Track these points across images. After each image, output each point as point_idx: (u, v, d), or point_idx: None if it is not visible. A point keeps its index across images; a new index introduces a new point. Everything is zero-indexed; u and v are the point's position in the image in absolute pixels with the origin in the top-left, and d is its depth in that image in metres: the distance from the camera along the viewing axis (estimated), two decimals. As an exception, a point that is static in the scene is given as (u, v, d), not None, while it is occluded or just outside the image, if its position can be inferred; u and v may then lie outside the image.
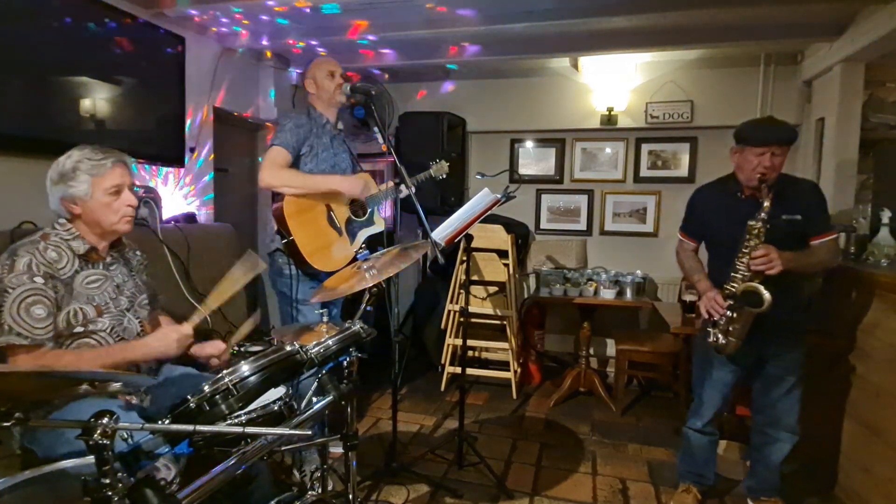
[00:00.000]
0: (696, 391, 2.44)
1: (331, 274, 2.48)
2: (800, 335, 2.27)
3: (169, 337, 1.65)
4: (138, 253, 1.91)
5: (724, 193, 2.28)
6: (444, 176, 2.89)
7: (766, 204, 2.01)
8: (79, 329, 1.60)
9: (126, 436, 1.05)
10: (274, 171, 2.39)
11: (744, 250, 2.06)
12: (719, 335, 2.17)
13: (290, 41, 3.64)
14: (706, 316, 2.20)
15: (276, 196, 2.46)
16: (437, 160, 2.87)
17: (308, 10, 3.21)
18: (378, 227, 2.73)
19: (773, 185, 2.07)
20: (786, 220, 2.09)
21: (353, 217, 2.64)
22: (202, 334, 1.77)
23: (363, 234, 2.65)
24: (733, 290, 2.09)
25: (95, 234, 1.68)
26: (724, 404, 2.39)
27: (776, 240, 2.02)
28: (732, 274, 2.10)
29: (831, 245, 2.17)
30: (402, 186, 2.58)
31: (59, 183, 1.60)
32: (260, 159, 3.88)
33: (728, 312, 2.12)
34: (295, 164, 2.48)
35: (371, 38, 3.56)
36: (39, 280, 1.52)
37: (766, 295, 1.97)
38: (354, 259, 1.86)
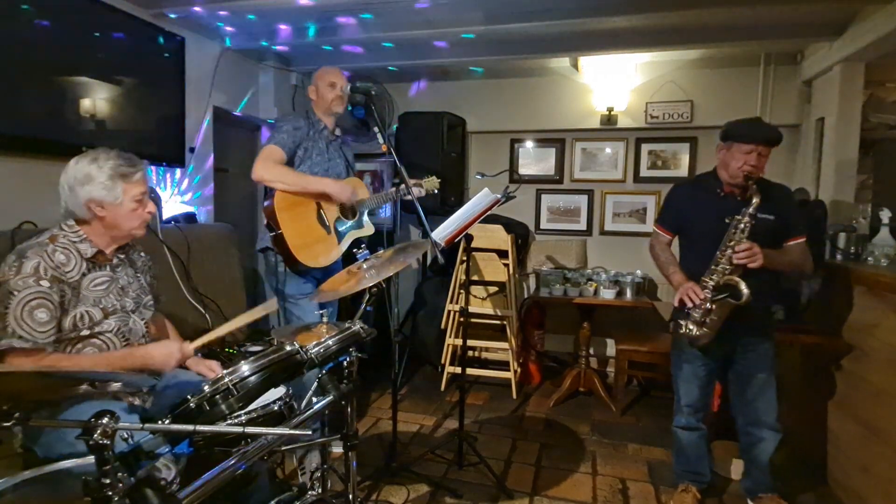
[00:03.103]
0: (674, 388, 2.47)
1: (321, 270, 2.51)
2: (769, 328, 2.34)
3: (171, 348, 1.65)
4: (143, 254, 1.92)
5: (704, 190, 2.34)
6: (437, 190, 2.91)
7: (756, 200, 2.07)
8: (85, 332, 1.60)
9: (126, 436, 1.05)
10: (267, 165, 2.45)
11: (728, 244, 2.11)
12: (692, 326, 2.21)
13: (288, 43, 3.64)
14: (679, 306, 2.24)
15: (268, 193, 2.51)
16: (427, 176, 2.89)
17: (307, 11, 3.22)
18: (367, 231, 2.73)
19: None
20: (761, 218, 2.13)
21: (343, 218, 2.65)
22: (201, 334, 1.77)
23: (350, 237, 2.66)
24: (713, 282, 2.14)
25: (110, 236, 1.69)
26: (702, 399, 2.41)
27: (750, 237, 2.09)
28: (712, 266, 2.15)
29: (803, 248, 2.27)
30: (403, 187, 2.59)
31: (87, 185, 1.60)
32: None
33: (707, 304, 2.16)
34: (289, 164, 2.53)
35: (370, 38, 3.56)
36: (45, 283, 1.52)
37: (746, 289, 2.04)
38: (354, 259, 1.86)
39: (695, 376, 2.36)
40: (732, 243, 2.09)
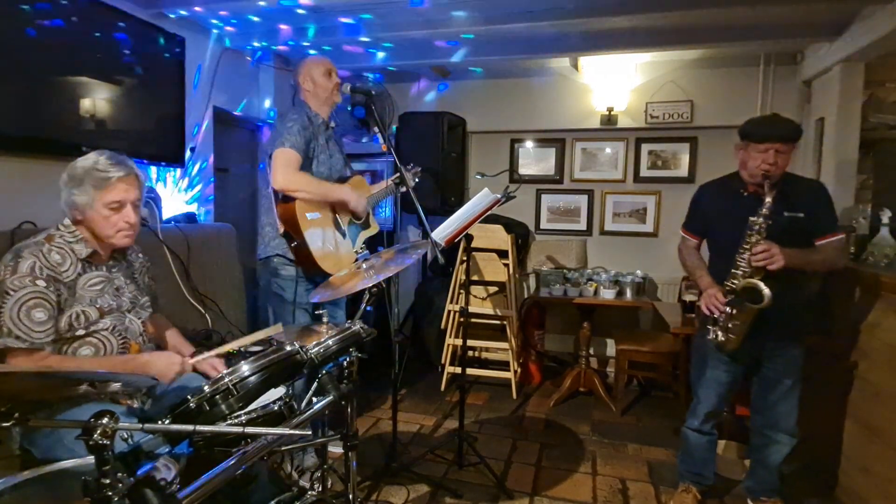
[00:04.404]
0: (693, 391, 2.44)
1: (329, 275, 2.50)
2: (799, 334, 2.26)
3: (174, 359, 1.65)
4: (141, 255, 1.91)
5: (728, 191, 2.29)
6: (417, 179, 2.88)
7: (769, 200, 2.02)
8: (80, 331, 1.60)
9: (126, 436, 1.05)
10: (289, 174, 2.37)
11: (745, 246, 2.06)
12: (719, 332, 2.17)
13: (288, 43, 3.64)
14: (707, 312, 2.19)
15: (280, 198, 2.43)
16: (409, 165, 2.86)
17: (307, 11, 3.22)
18: (374, 229, 2.75)
19: (776, 182, 2.07)
20: (788, 217, 2.09)
21: (353, 219, 2.65)
22: (201, 333, 1.77)
23: (361, 237, 2.67)
24: (733, 286, 2.09)
25: (96, 240, 1.69)
26: (721, 404, 2.38)
27: (778, 237, 2.02)
28: (733, 270, 2.10)
29: (836, 245, 2.15)
30: (399, 178, 2.60)
31: (67, 186, 1.60)
32: (262, 164, 3.90)
33: (728, 309, 2.12)
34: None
35: (370, 38, 3.56)
36: (42, 283, 1.52)
37: (766, 291, 1.98)
38: (355, 259, 1.87)
39: (717, 382, 2.31)
40: (749, 245, 2.04)
